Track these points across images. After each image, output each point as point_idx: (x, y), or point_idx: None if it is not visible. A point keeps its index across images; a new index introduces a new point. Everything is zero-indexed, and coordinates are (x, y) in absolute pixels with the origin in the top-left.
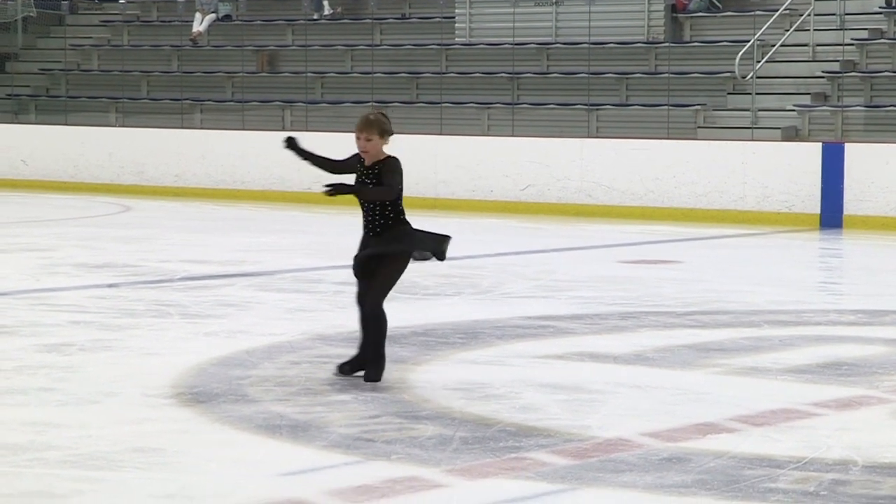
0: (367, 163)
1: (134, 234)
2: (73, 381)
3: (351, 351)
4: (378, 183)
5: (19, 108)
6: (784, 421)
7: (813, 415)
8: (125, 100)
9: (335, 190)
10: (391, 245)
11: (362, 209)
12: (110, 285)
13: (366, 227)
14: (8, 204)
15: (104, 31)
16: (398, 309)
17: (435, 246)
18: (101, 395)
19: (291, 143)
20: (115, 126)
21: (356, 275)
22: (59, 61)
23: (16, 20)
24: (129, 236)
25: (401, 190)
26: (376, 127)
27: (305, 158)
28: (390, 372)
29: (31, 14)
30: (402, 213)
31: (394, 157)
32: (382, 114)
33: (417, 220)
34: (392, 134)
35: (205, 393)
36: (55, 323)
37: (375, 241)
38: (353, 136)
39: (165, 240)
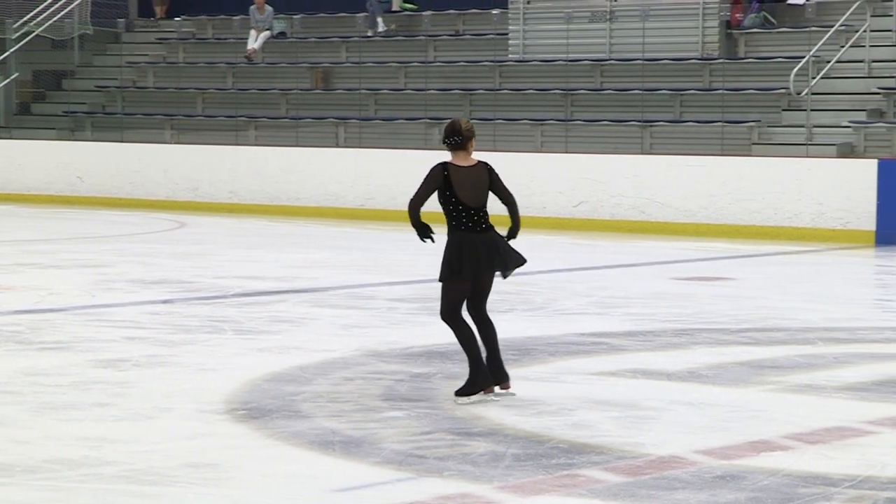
0: None
1: (189, 251)
2: (128, 397)
3: (404, 367)
4: None
5: (76, 125)
6: (839, 439)
7: (868, 433)
8: (180, 117)
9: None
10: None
11: (466, 209)
12: (165, 301)
13: (475, 224)
14: (64, 220)
15: (160, 48)
16: None
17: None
18: (155, 410)
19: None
20: (170, 143)
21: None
22: (116, 78)
23: (72, 38)
24: (184, 252)
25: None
26: None
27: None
28: (443, 388)
29: (88, 32)
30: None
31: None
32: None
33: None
34: (448, 142)
35: (258, 409)
36: (110, 339)
37: (490, 238)
38: (405, 152)
39: (220, 256)
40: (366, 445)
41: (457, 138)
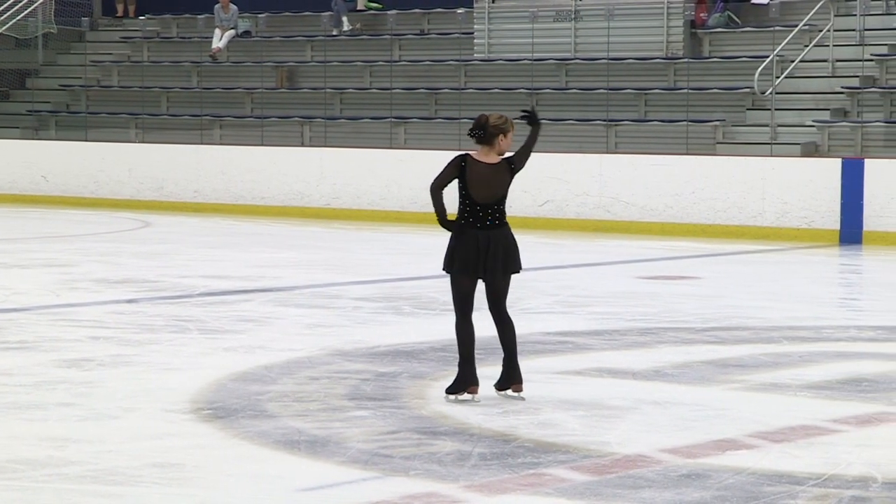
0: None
1: (153, 250)
2: (92, 397)
3: (369, 366)
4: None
5: (40, 124)
6: (803, 437)
7: (832, 431)
8: (145, 116)
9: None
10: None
11: (472, 204)
12: (130, 301)
13: (477, 220)
14: (28, 219)
15: (124, 47)
16: (416, 324)
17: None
18: (120, 410)
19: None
20: (134, 142)
21: (472, 272)
22: (80, 77)
23: (36, 37)
24: (149, 252)
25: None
26: None
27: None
28: (408, 388)
29: (52, 30)
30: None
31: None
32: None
33: (442, 238)
34: (470, 135)
35: (224, 408)
36: (75, 338)
37: (490, 237)
38: (370, 151)
39: (185, 255)
40: (331, 445)
41: (479, 131)
